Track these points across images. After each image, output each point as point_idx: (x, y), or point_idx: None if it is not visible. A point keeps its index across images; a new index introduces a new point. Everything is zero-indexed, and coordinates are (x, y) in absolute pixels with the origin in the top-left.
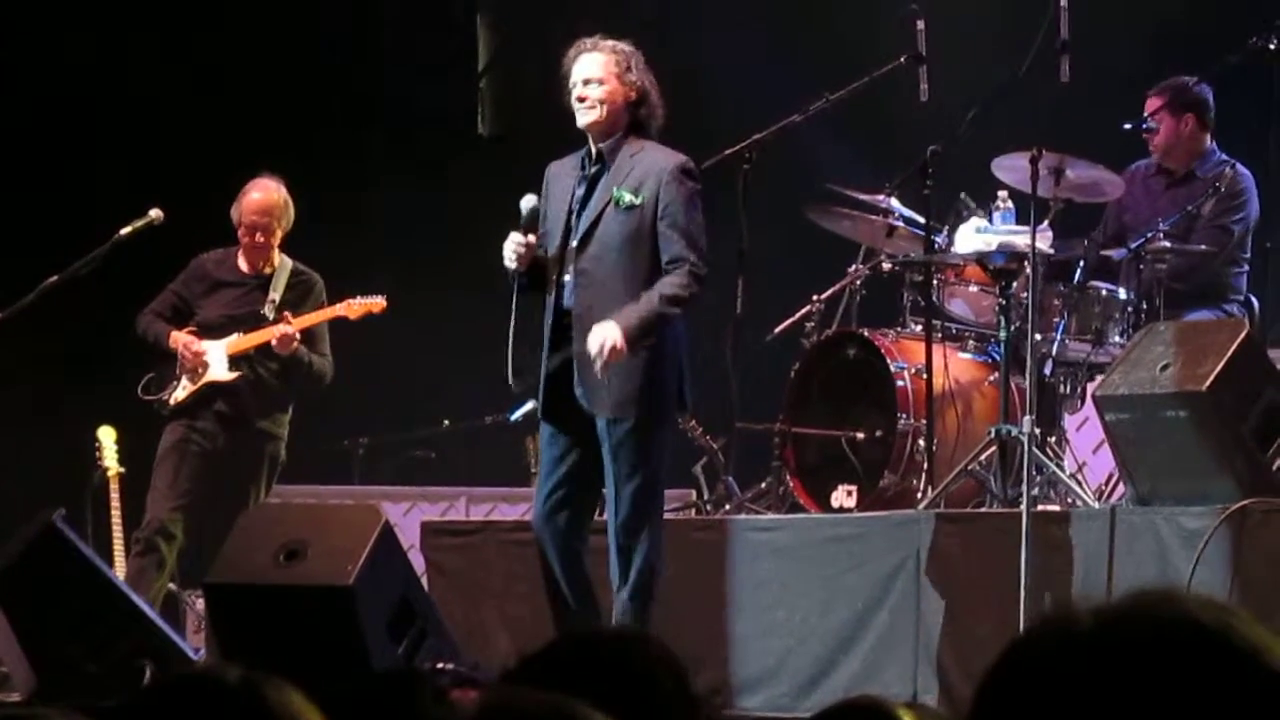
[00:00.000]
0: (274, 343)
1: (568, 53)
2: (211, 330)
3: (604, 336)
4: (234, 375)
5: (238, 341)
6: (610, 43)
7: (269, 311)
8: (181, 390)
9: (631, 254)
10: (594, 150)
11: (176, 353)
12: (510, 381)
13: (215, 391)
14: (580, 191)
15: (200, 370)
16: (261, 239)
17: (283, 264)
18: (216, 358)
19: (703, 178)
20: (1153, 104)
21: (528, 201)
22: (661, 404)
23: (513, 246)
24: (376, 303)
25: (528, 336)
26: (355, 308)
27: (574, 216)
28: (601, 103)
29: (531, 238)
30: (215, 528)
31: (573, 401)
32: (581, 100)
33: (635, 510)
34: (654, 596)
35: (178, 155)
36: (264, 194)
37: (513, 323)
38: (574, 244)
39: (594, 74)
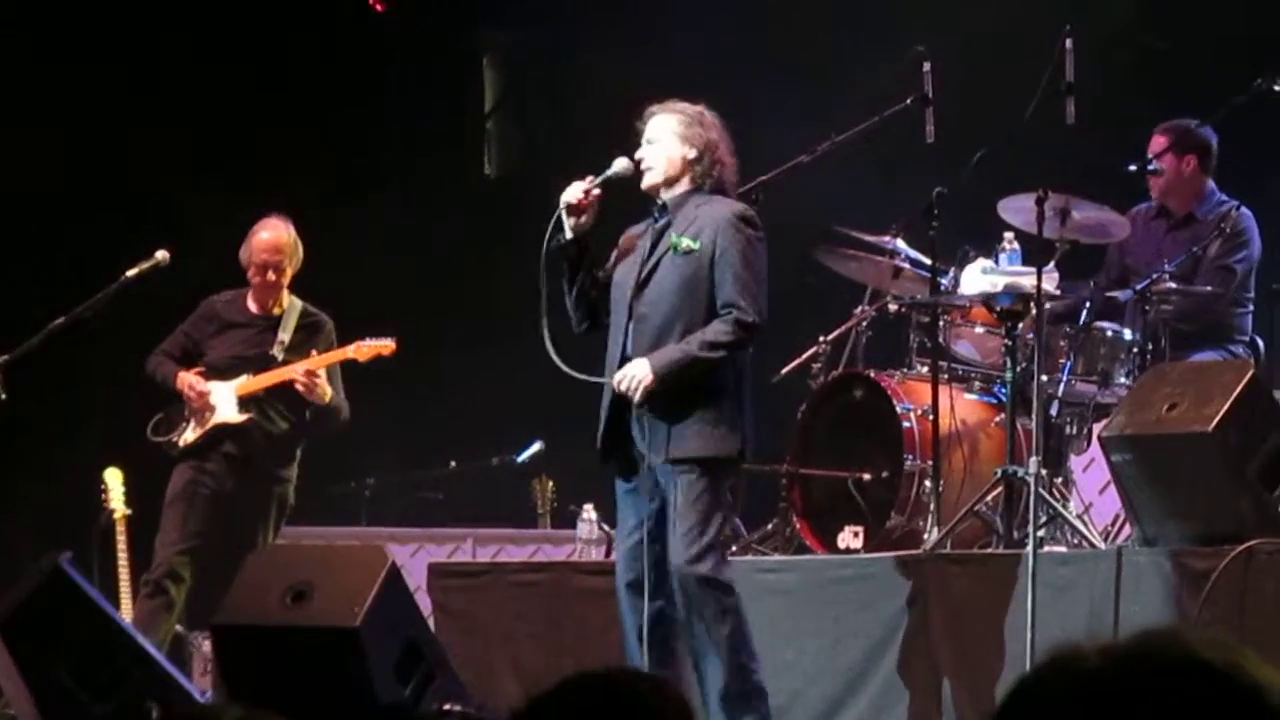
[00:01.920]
0: (300, 388)
1: (641, 118)
2: (220, 371)
3: (634, 372)
4: (244, 417)
5: (247, 383)
6: (678, 104)
7: (278, 352)
8: (191, 432)
9: (688, 299)
10: (662, 204)
11: (182, 393)
12: (552, 355)
13: (224, 433)
14: (648, 245)
15: (208, 412)
16: (273, 278)
17: (292, 305)
18: (225, 399)
19: None
20: (1157, 143)
21: (620, 160)
22: (724, 447)
23: (578, 184)
24: (386, 345)
25: (560, 308)
26: (365, 350)
27: (642, 266)
28: (657, 161)
29: (598, 190)
30: (223, 569)
31: (638, 455)
32: (642, 161)
33: (692, 552)
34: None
35: (180, 197)
36: (274, 234)
37: (543, 287)
38: (633, 293)
39: (653, 135)
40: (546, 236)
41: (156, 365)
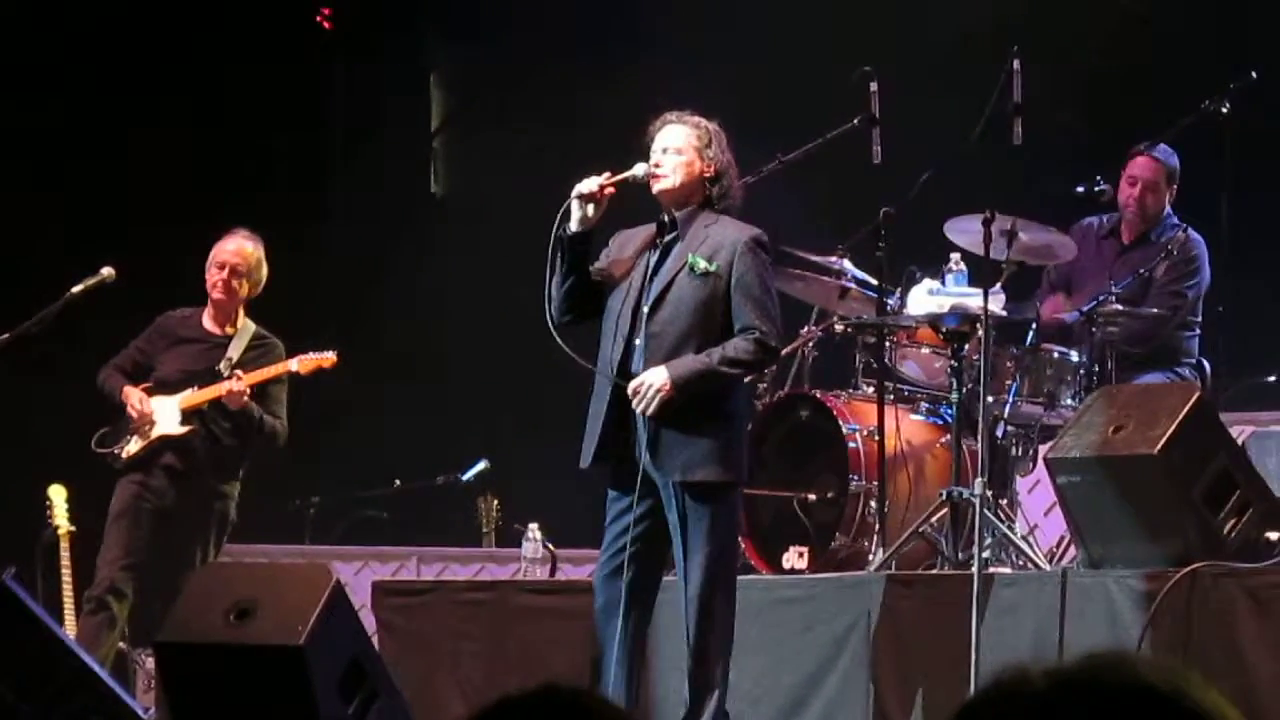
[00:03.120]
0: (225, 397)
1: (655, 122)
2: (169, 386)
3: (651, 380)
4: (185, 429)
5: (190, 396)
6: (696, 118)
7: (225, 369)
8: (134, 445)
9: (703, 320)
10: (669, 218)
11: (126, 407)
12: (558, 340)
13: (167, 446)
14: (654, 258)
15: (149, 425)
16: (231, 282)
17: (245, 326)
18: (168, 412)
19: None
20: (1146, 167)
21: (641, 165)
22: (733, 467)
23: (594, 178)
24: (327, 357)
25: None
26: (306, 362)
27: (648, 282)
28: (676, 171)
29: (611, 189)
30: (164, 585)
31: (636, 466)
32: (659, 166)
33: (708, 578)
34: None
35: (127, 212)
36: (238, 241)
37: (549, 272)
38: (645, 309)
39: (673, 144)
40: (556, 222)
41: (106, 378)
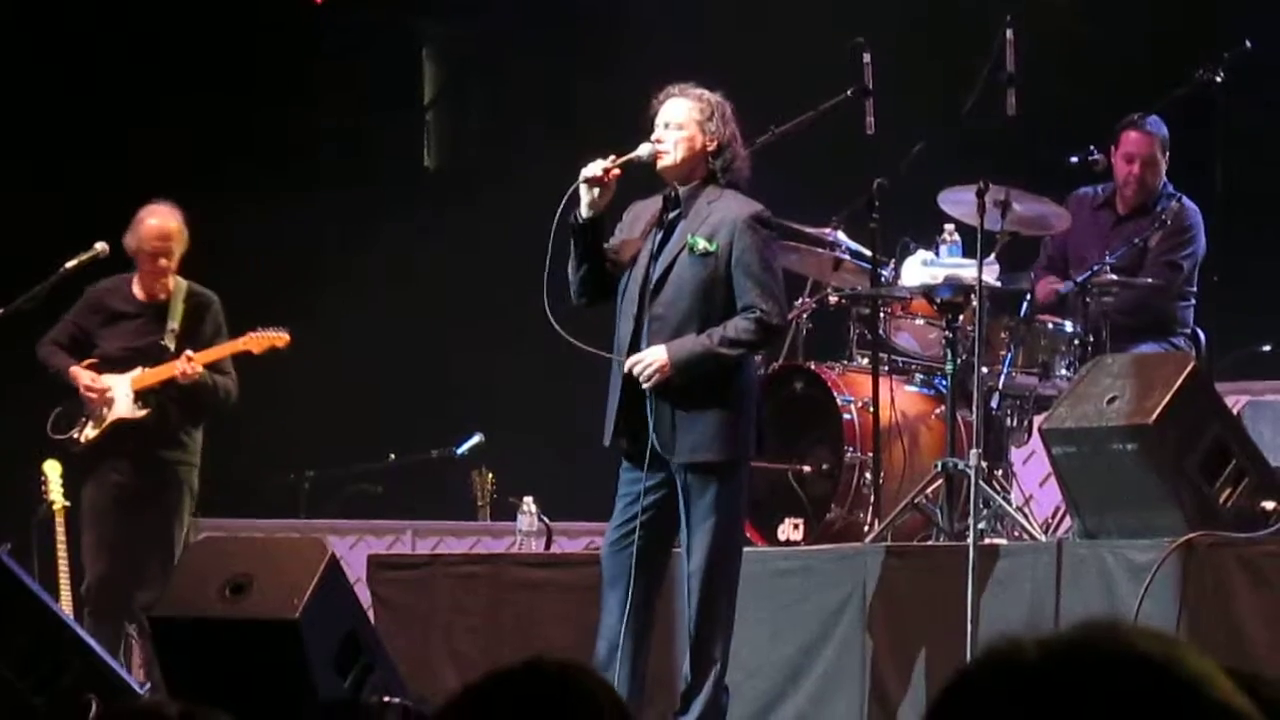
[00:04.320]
0: (179, 375)
1: (657, 95)
2: (114, 364)
3: (649, 359)
4: (143, 413)
5: (142, 377)
6: (699, 90)
7: (170, 342)
8: (91, 429)
9: (705, 300)
10: (673, 194)
11: (79, 388)
12: (555, 325)
13: (125, 428)
14: (659, 237)
15: (105, 408)
16: (164, 264)
17: (178, 287)
18: (122, 394)
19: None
20: (1141, 143)
21: (645, 145)
22: (740, 447)
23: (600, 161)
24: (279, 336)
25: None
26: (259, 341)
27: (653, 261)
28: (677, 147)
29: (618, 171)
30: (142, 564)
31: (648, 443)
32: (660, 142)
33: (711, 555)
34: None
35: (112, 193)
36: (161, 220)
37: (550, 256)
38: (650, 289)
39: (675, 119)
40: (560, 208)
41: (48, 355)
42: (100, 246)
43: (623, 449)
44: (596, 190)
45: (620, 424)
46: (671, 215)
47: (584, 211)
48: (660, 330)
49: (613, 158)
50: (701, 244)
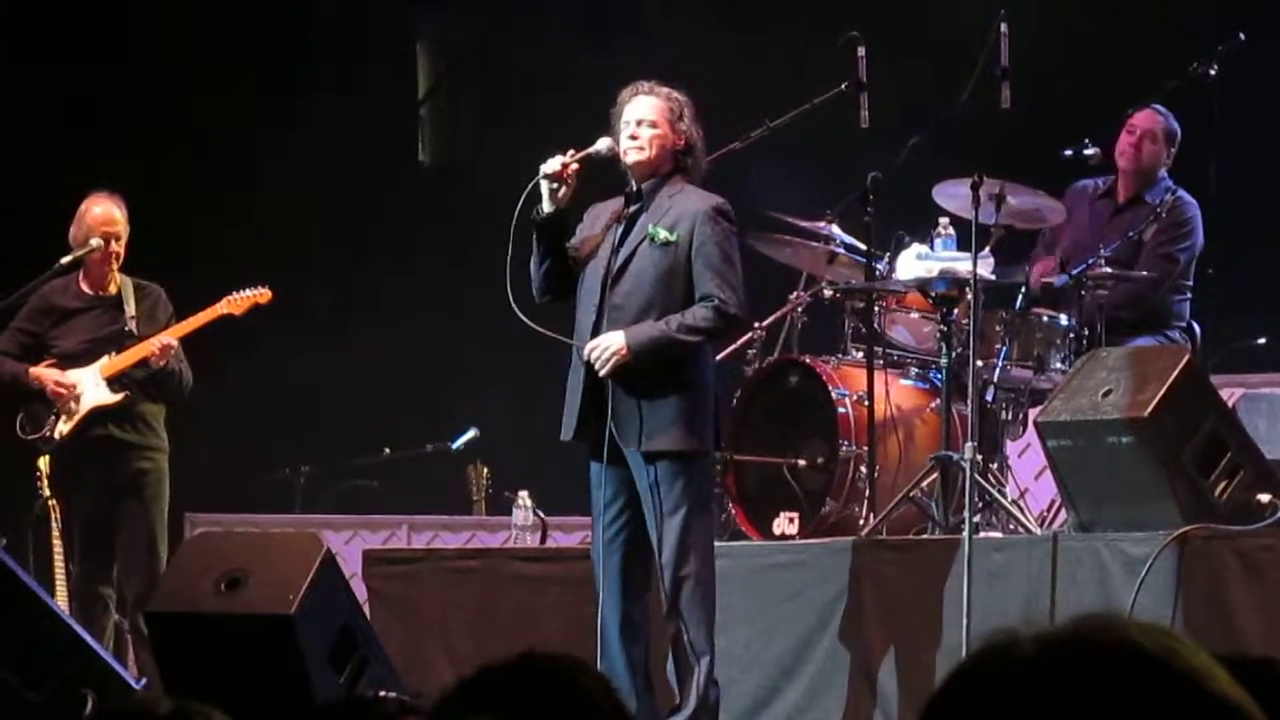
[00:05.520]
0: (154, 355)
1: (623, 91)
2: (76, 359)
3: (606, 343)
4: (119, 397)
5: (113, 362)
6: (667, 90)
7: (134, 328)
8: (64, 424)
9: (665, 291)
10: (635, 189)
11: (41, 389)
12: (518, 312)
13: (99, 417)
14: (620, 230)
15: (74, 402)
16: (114, 248)
17: (124, 281)
18: (92, 383)
19: None
20: (1147, 118)
21: (604, 140)
22: (698, 435)
23: (558, 156)
24: (261, 294)
25: (522, 273)
26: (239, 303)
27: (614, 254)
28: (650, 144)
29: (576, 165)
30: (127, 556)
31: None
32: (633, 139)
33: (679, 546)
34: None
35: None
36: (105, 207)
37: (510, 249)
38: (610, 279)
39: (648, 115)
40: (520, 203)
41: None
42: (95, 242)
43: (587, 445)
44: (557, 186)
45: (585, 419)
46: (633, 209)
47: (545, 207)
48: (619, 320)
49: (571, 152)
50: (662, 234)
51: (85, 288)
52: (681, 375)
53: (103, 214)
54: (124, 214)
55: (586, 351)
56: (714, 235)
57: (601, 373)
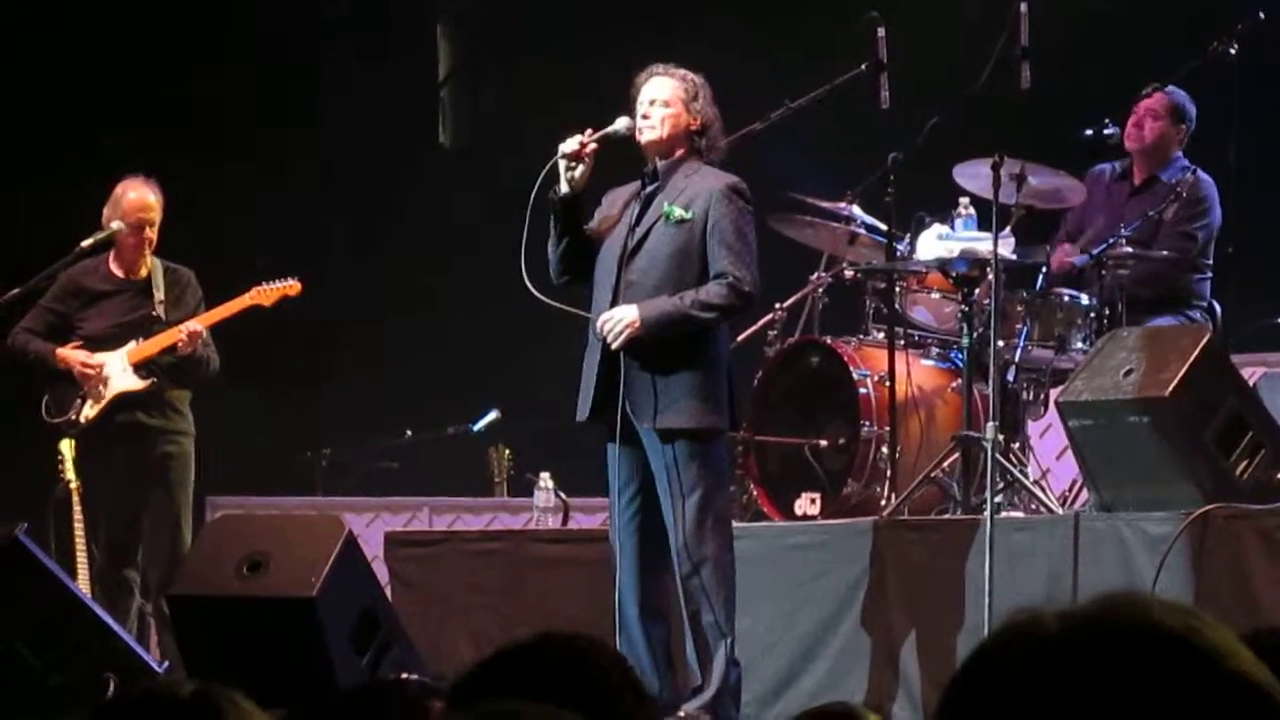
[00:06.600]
0: (181, 342)
1: (639, 74)
2: (103, 343)
3: (620, 315)
4: (146, 383)
5: (140, 349)
6: (683, 71)
7: (162, 313)
8: (90, 408)
9: (679, 268)
10: (651, 169)
11: (69, 371)
12: (530, 288)
13: (125, 403)
14: (637, 209)
15: (102, 386)
16: (149, 234)
17: (155, 264)
18: (119, 368)
19: None
20: (1157, 100)
21: (623, 119)
22: (713, 413)
23: (576, 136)
24: (290, 285)
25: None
26: (268, 294)
27: (630, 232)
28: (664, 123)
29: (595, 145)
30: (152, 540)
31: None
32: (646, 118)
33: (695, 526)
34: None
35: (123, 170)
36: (140, 193)
37: (527, 230)
38: (626, 256)
39: (662, 96)
40: (538, 182)
41: (25, 343)
42: (116, 225)
43: (605, 426)
44: (575, 166)
45: (600, 399)
46: (650, 189)
47: (562, 187)
48: (634, 297)
49: (589, 132)
50: (678, 212)
51: (115, 270)
52: (696, 352)
53: (137, 199)
54: (159, 199)
55: (600, 324)
56: (729, 213)
57: (614, 345)
